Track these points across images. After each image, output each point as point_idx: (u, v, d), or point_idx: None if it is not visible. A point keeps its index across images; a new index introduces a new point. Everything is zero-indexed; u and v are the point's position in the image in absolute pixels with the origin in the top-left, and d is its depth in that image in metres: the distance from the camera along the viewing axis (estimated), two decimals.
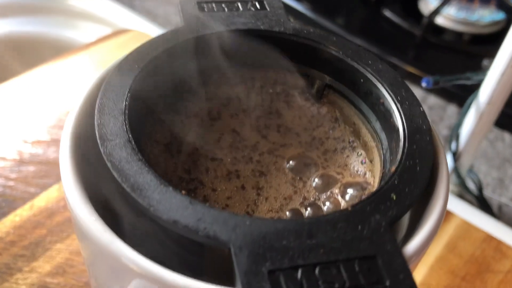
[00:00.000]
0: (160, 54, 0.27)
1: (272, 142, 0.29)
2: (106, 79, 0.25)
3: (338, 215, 0.21)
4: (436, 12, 0.75)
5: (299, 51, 0.29)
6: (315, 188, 0.27)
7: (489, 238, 0.46)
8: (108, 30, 0.68)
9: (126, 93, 0.24)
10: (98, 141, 0.22)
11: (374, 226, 0.20)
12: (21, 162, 0.48)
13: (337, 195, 0.27)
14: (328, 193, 0.27)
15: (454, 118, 0.70)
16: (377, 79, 0.27)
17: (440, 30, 0.78)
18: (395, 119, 0.26)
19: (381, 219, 0.21)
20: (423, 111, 0.26)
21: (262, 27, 0.30)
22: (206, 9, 0.30)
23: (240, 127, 0.29)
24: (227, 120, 0.29)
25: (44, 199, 0.45)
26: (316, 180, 0.27)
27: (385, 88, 0.27)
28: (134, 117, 0.24)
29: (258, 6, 0.31)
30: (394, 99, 0.26)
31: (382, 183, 0.23)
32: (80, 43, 0.67)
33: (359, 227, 0.20)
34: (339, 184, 0.27)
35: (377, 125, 0.28)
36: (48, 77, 0.57)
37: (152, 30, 0.67)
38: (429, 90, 0.69)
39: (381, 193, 0.22)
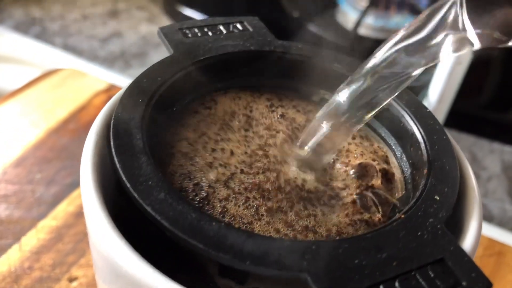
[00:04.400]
0: (163, 85, 0.25)
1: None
2: (113, 118, 0.23)
3: (396, 224, 0.20)
4: (359, 23, 0.78)
5: (295, 67, 0.29)
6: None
7: None
8: (33, 71, 0.63)
9: (140, 129, 0.23)
10: (129, 186, 0.20)
11: (432, 229, 0.20)
12: None
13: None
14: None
15: None
16: None
17: (362, 39, 0.82)
18: (406, 124, 0.26)
19: (435, 221, 0.21)
20: (430, 112, 0.27)
21: (252, 47, 0.29)
22: (190, 35, 0.29)
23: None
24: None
25: (5, 263, 0.40)
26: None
27: None
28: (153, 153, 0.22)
29: (240, 27, 0.31)
30: (400, 104, 0.27)
31: (421, 186, 0.23)
32: (7, 88, 0.62)
33: (419, 233, 0.20)
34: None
35: (382, 131, 0.28)
36: None
37: (83, 67, 0.64)
38: None
39: (425, 196, 0.22)
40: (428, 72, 0.49)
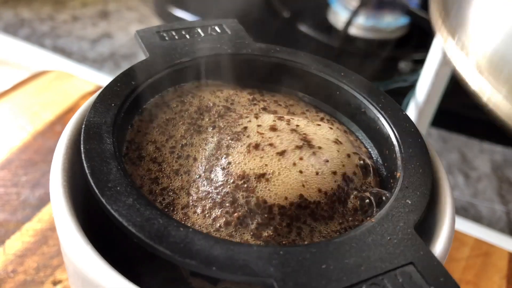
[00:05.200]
0: (134, 89, 0.25)
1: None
2: (85, 122, 0.23)
3: (365, 229, 0.20)
4: (349, 23, 0.78)
5: (272, 71, 0.29)
6: None
7: None
8: (21, 73, 0.63)
9: (111, 134, 0.22)
10: (97, 191, 0.20)
11: (402, 234, 0.20)
12: None
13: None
14: None
15: None
16: (354, 90, 0.28)
17: (353, 39, 0.82)
18: (381, 126, 0.26)
19: (406, 225, 0.21)
20: (406, 115, 0.27)
21: (229, 50, 0.29)
22: (167, 38, 0.29)
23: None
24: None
25: None
26: None
27: (364, 97, 0.27)
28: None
29: (218, 30, 0.31)
30: (376, 107, 0.27)
31: (393, 189, 0.23)
32: None
33: (389, 237, 0.20)
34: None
35: (360, 134, 0.28)
36: None
37: (72, 69, 0.63)
38: None
39: (396, 199, 0.22)
40: (416, 73, 0.49)
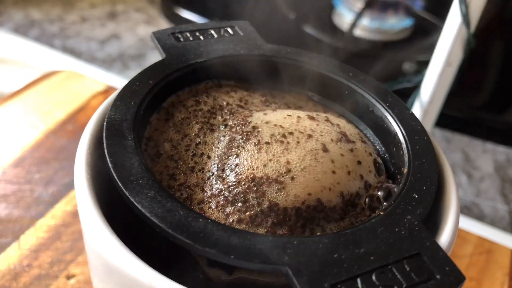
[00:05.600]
0: (153, 88, 0.26)
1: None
2: (107, 119, 0.24)
3: (374, 221, 0.21)
4: (354, 24, 0.79)
5: (283, 71, 0.30)
6: None
7: None
8: (32, 73, 0.64)
9: (131, 130, 0.24)
10: (120, 184, 0.21)
11: (409, 226, 0.21)
12: None
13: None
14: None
15: None
16: (362, 89, 0.29)
17: (357, 40, 0.83)
18: (389, 125, 0.27)
19: (413, 218, 0.22)
20: (412, 113, 0.28)
21: (242, 51, 0.30)
22: (182, 39, 0.30)
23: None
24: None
25: (4, 261, 0.41)
26: None
27: (372, 96, 0.28)
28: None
29: (231, 31, 0.32)
30: (384, 105, 0.28)
31: (401, 184, 0.24)
32: (7, 90, 0.63)
33: (397, 229, 0.21)
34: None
35: (368, 132, 0.29)
36: None
37: (82, 69, 0.65)
38: None
39: (404, 194, 0.23)
40: (420, 74, 0.50)
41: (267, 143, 0.24)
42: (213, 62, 0.29)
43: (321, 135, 0.25)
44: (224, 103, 0.27)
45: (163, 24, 0.85)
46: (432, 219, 0.24)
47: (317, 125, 0.26)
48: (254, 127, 0.25)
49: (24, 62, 0.65)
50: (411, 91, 0.51)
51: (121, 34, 0.80)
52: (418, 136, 0.26)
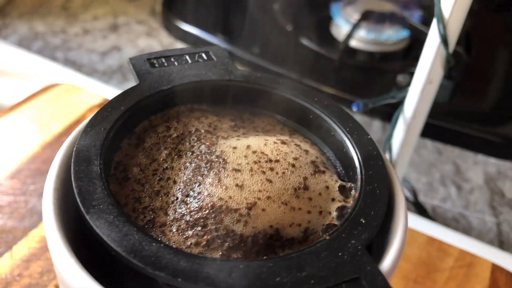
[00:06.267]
0: (123, 114, 0.28)
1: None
2: (76, 145, 0.26)
3: (320, 245, 0.23)
4: (349, 36, 0.81)
5: (251, 96, 0.32)
6: None
7: (431, 240, 0.50)
8: (35, 85, 0.67)
9: (98, 156, 0.25)
10: (82, 209, 0.23)
11: (352, 250, 0.23)
12: None
13: None
14: None
15: (380, 132, 0.76)
16: (325, 114, 0.30)
17: (354, 51, 0.84)
18: (348, 149, 0.29)
19: (357, 243, 0.23)
20: (371, 138, 0.29)
21: (213, 77, 0.32)
22: (157, 65, 0.32)
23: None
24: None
25: None
26: None
27: (333, 121, 0.30)
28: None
29: (205, 57, 0.33)
30: (344, 130, 0.29)
31: (350, 208, 0.25)
32: (8, 102, 0.65)
33: (340, 253, 0.22)
34: None
35: (331, 154, 0.30)
36: None
37: (81, 81, 0.67)
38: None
39: (351, 218, 0.24)
40: (404, 90, 0.51)
41: (235, 169, 0.26)
42: (185, 87, 0.31)
43: (291, 166, 0.27)
44: (193, 129, 0.29)
45: (164, 36, 0.87)
46: (380, 243, 0.25)
47: (286, 153, 0.27)
48: (218, 156, 0.26)
49: (26, 74, 0.68)
50: (395, 106, 0.52)
51: (122, 46, 0.82)
52: (373, 161, 0.27)
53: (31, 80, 0.69)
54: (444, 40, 0.44)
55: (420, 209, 0.58)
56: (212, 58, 0.33)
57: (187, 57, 0.33)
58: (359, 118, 0.75)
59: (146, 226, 0.25)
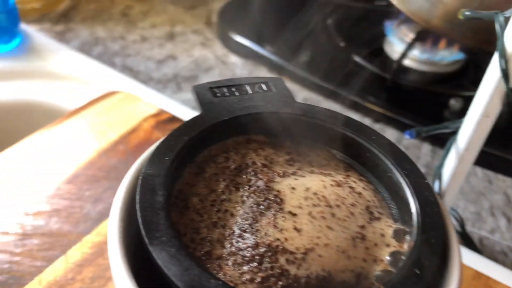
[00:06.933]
0: (186, 144, 0.29)
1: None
2: (142, 174, 0.27)
3: None
4: (404, 55, 0.80)
5: (309, 129, 0.32)
6: None
7: (478, 275, 0.50)
8: (93, 91, 0.69)
9: (162, 186, 0.26)
10: (147, 240, 0.24)
11: None
12: (24, 235, 0.48)
13: None
14: None
15: (429, 155, 0.75)
16: (382, 154, 0.30)
17: (406, 70, 0.83)
18: (404, 192, 0.29)
19: None
20: (428, 183, 0.29)
21: (272, 109, 0.32)
22: (218, 94, 0.33)
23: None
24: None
25: (51, 273, 0.45)
26: None
27: (390, 162, 0.30)
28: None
29: (264, 87, 0.34)
30: (401, 172, 0.29)
31: (405, 258, 0.25)
32: (67, 106, 0.68)
33: None
34: None
35: (386, 194, 0.31)
36: (43, 144, 0.58)
37: (137, 89, 0.69)
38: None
39: (406, 268, 0.24)
40: (458, 120, 0.50)
41: (293, 212, 0.26)
42: (246, 119, 0.32)
43: (350, 213, 0.27)
44: (250, 161, 0.30)
45: (218, 47, 0.88)
46: None
47: (344, 197, 0.28)
48: (275, 195, 0.27)
49: (85, 79, 0.71)
50: (448, 136, 0.51)
51: (177, 55, 0.84)
52: (430, 208, 0.27)
53: (90, 85, 0.71)
54: (505, 74, 0.43)
55: (467, 240, 0.57)
56: (272, 89, 0.34)
57: (248, 87, 0.34)
58: (409, 141, 0.75)
59: (203, 258, 0.26)
